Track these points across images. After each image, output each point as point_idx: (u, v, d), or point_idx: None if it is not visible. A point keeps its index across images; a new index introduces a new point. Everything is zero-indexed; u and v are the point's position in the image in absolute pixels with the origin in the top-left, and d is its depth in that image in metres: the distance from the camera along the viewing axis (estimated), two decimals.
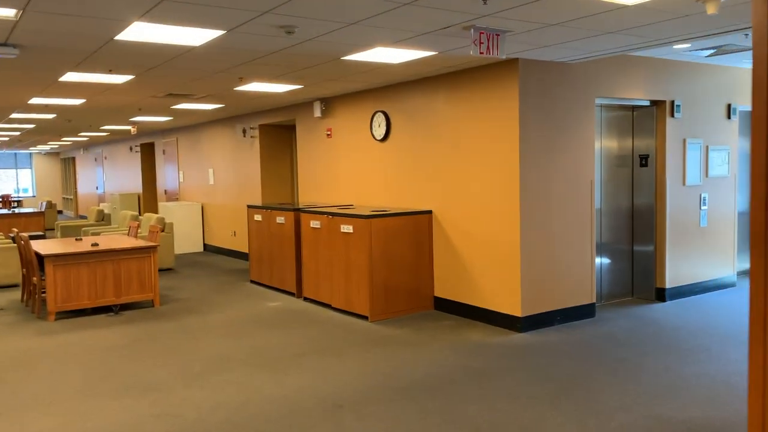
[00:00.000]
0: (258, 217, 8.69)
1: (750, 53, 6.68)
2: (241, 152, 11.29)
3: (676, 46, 6.21)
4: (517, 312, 6.03)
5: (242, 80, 6.96)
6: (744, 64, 7.43)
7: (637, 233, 7.31)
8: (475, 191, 6.43)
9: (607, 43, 5.36)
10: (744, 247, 8.40)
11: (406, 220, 6.82)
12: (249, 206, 9.01)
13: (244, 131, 11.05)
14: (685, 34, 5.10)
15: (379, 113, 7.65)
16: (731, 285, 7.77)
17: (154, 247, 7.49)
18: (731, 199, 7.73)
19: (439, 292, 6.97)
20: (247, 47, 5.15)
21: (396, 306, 6.76)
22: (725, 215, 7.67)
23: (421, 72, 6.59)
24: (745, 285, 7.84)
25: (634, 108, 7.19)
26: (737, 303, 7.00)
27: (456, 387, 4.59)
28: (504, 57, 4.87)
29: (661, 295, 7.13)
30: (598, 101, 6.59)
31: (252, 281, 9.01)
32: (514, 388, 4.53)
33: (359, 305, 6.73)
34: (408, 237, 6.82)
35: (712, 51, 6.54)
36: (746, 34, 5.65)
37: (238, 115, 11.19)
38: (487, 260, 6.33)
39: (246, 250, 11.26)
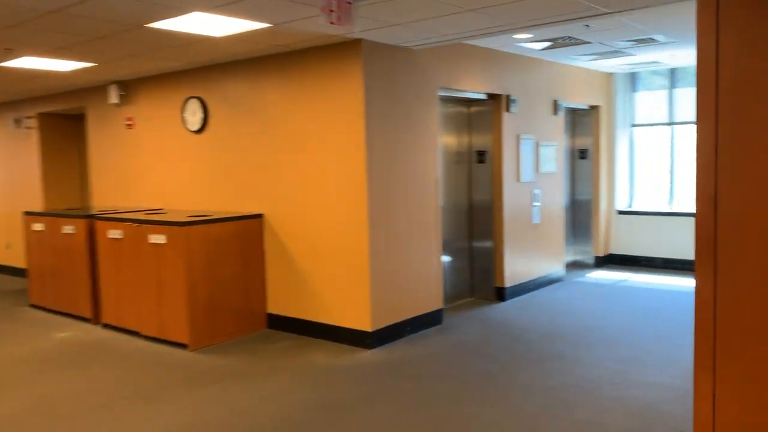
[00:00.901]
0: (39, 226, 7.01)
1: (581, 47, 6.70)
2: (15, 147, 9.25)
3: (517, 36, 5.95)
4: (367, 326, 5.34)
5: (9, 52, 5.39)
6: (572, 60, 7.52)
7: (475, 231, 7.04)
8: (314, 191, 5.62)
9: (452, 27, 4.87)
10: (569, 241, 8.62)
11: (231, 226, 5.79)
12: (26, 213, 7.27)
13: (18, 121, 9.05)
14: (529, 19, 4.77)
15: (194, 100, 6.49)
16: (560, 279, 7.87)
17: None
18: (559, 194, 7.82)
19: (273, 308, 6.04)
20: (9, 1, 3.80)
21: (222, 329, 5.71)
22: (555, 211, 7.73)
23: (249, 51, 5.61)
24: (572, 278, 8.00)
25: (470, 102, 6.89)
26: (570, 299, 7.02)
27: (307, 430, 3.75)
28: (358, 31, 4.12)
29: (501, 294, 6.93)
30: (438, 93, 6.13)
31: (33, 305, 7.28)
32: (376, 423, 3.81)
33: (176, 331, 5.57)
34: (234, 246, 5.80)
35: (548, 44, 6.43)
36: (587, 25, 5.53)
37: (10, 101, 9.14)
38: (331, 269, 5.56)
39: (24, 266, 9.25)
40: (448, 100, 6.59)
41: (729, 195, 2.01)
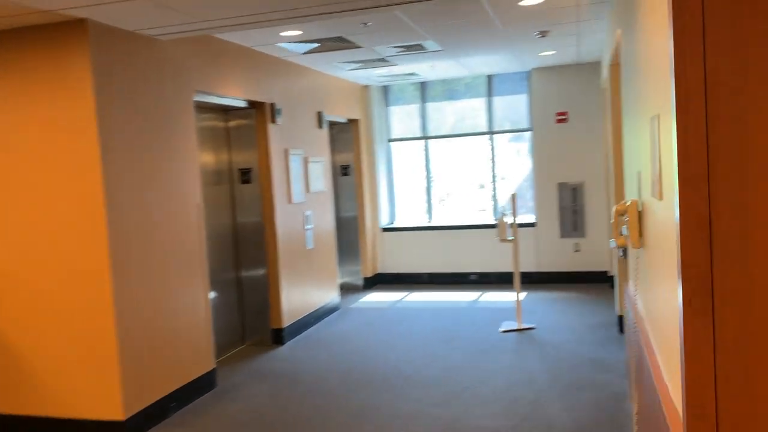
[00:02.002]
0: None
1: (347, 53, 6.05)
2: None
3: (285, 33, 5.05)
4: (118, 414, 3.89)
5: None
6: (333, 70, 6.86)
7: (243, 265, 5.92)
8: (23, 235, 3.97)
9: (190, 10, 3.78)
10: (339, 264, 7.95)
11: None
12: None
13: None
14: (289, 8, 3.93)
15: None
16: (336, 308, 7.14)
17: None
18: (330, 214, 7.09)
19: None
20: None
21: None
22: (326, 233, 6.98)
23: None
24: (347, 304, 7.33)
25: (230, 111, 5.78)
26: (356, 332, 6.31)
27: None
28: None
29: (279, 336, 5.92)
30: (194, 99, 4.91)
31: None
32: None
33: None
34: None
35: (315, 46, 5.64)
36: (365, 24, 4.87)
37: None
38: (58, 341, 3.96)
39: None
40: (203, 109, 5.39)
41: (729, 215, 1.37)
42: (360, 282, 8.29)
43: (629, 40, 3.26)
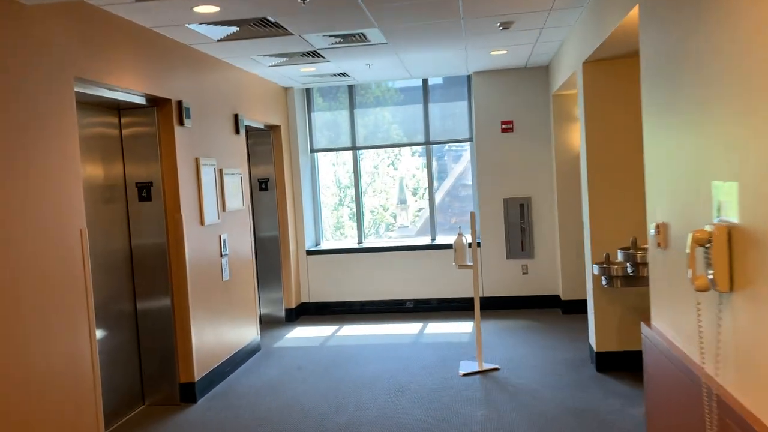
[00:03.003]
0: None
1: (271, 44, 5.01)
2: None
3: (199, 9, 3.95)
4: None
5: None
6: (252, 66, 5.77)
7: (141, 306, 4.69)
8: None
9: None
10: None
11: None
12: None
13: None
14: None
15: None
16: (257, 349, 5.99)
17: None
18: (248, 237, 5.96)
19: None
20: None
21: None
22: (245, 260, 5.84)
23: None
24: (270, 343, 6.20)
25: (124, 108, 4.57)
26: (289, 383, 5.21)
27: None
28: None
29: (189, 392, 4.72)
30: (75, 89, 3.69)
31: None
32: None
33: None
34: None
35: (234, 30, 4.56)
36: (303, 1, 3.87)
37: None
38: None
39: None
40: (88, 106, 4.16)
41: None
42: (282, 313, 7.17)
43: (673, 34, 2.48)
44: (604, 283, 4.38)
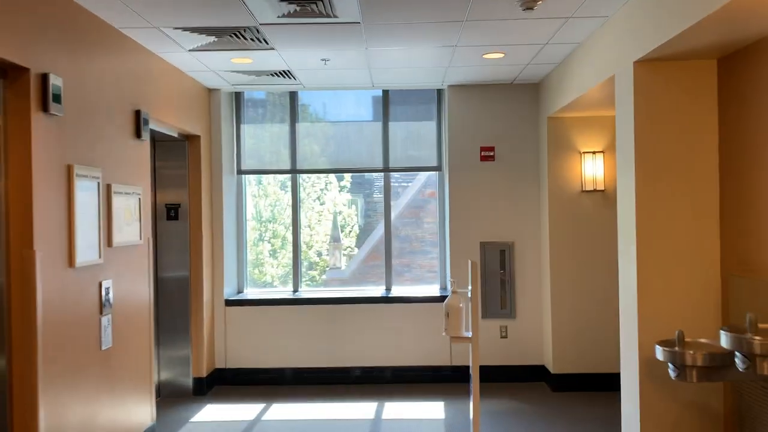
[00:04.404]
0: None
1: (201, 14, 3.45)
2: None
3: None
4: None
5: None
6: (167, 48, 4.14)
7: None
8: None
9: None
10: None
11: None
12: None
13: None
14: None
15: None
16: None
17: None
18: (146, 283, 4.24)
19: None
20: None
21: None
22: (139, 314, 4.12)
23: None
24: (170, 428, 4.45)
25: None
26: None
27: None
28: None
29: None
30: None
31: None
32: None
33: None
34: None
35: None
36: None
37: None
38: None
39: None
40: None
41: None
42: (188, 382, 5.39)
43: None
44: (673, 373, 3.02)
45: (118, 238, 3.74)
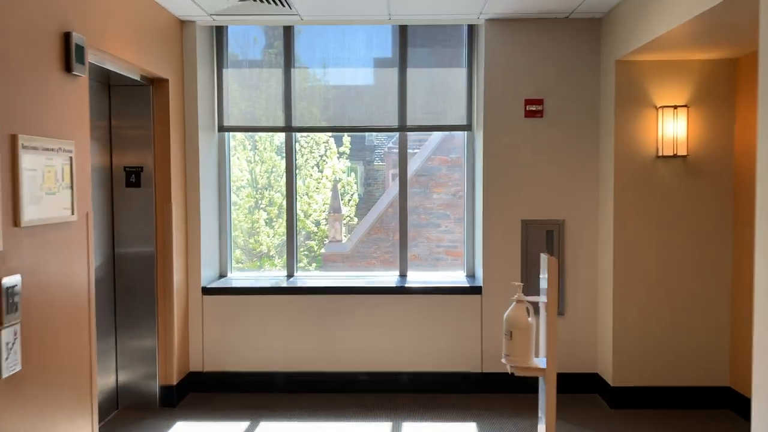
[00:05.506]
0: None
1: None
2: None
3: None
4: None
5: None
6: None
7: None
8: None
9: None
10: (104, 350, 3.93)
11: None
12: None
13: None
14: None
15: None
16: None
17: None
18: (83, 277, 3.09)
19: None
20: None
21: None
22: (72, 316, 2.98)
23: None
24: None
25: None
26: None
27: None
28: None
29: None
30: None
31: None
32: None
33: None
34: None
35: None
36: None
37: None
38: None
39: None
40: None
41: None
42: (154, 390, 4.30)
43: None
44: None
45: (31, 214, 2.59)
